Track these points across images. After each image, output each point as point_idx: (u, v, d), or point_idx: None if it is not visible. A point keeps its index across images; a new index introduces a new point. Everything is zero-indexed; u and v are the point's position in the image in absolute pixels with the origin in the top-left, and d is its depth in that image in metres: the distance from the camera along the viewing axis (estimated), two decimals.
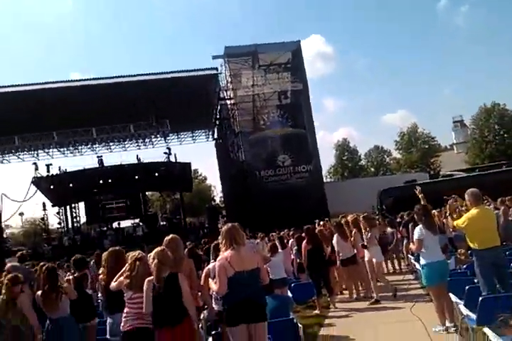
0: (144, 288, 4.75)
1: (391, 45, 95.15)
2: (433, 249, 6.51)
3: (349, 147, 61.10)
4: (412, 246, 6.82)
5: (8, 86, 26.39)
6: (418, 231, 6.55)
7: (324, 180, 36.58)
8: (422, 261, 6.58)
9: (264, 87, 29.49)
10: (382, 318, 7.60)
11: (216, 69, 28.27)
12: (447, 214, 11.70)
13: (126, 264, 5.26)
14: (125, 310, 5.05)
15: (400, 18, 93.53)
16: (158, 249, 4.97)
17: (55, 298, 5.75)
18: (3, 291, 5.72)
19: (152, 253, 4.95)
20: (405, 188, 22.33)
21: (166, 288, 4.69)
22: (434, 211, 11.81)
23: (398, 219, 15.44)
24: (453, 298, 6.09)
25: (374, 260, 9.18)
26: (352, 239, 9.78)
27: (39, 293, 5.91)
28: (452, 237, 11.52)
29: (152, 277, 4.78)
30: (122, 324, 5.03)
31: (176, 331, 4.67)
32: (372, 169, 62.04)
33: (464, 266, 8.18)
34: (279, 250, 9.75)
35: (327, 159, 61.27)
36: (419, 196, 7.53)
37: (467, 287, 5.88)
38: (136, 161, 32.18)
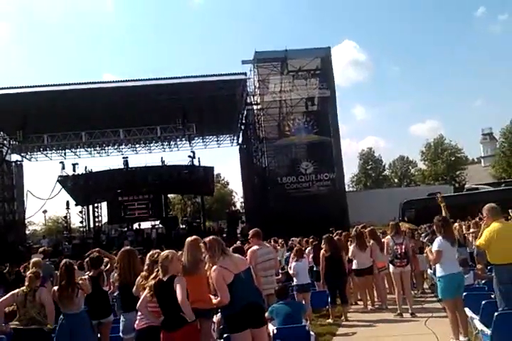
0: (140, 288, 4.83)
1: (424, 54, 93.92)
2: (450, 261, 6.43)
3: (374, 156, 60.64)
4: (431, 257, 6.72)
5: (42, 85, 27.01)
6: (437, 243, 6.48)
7: (347, 189, 36.31)
8: (438, 273, 6.49)
9: (291, 93, 29.37)
10: (395, 330, 7.53)
11: (245, 74, 28.21)
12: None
13: (145, 265, 5.36)
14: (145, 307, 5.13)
15: (435, 28, 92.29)
16: (164, 253, 4.99)
17: (71, 293, 5.86)
18: (26, 283, 5.91)
19: (159, 258, 4.97)
20: (428, 200, 22.03)
21: (168, 292, 4.68)
22: (456, 224, 11.71)
23: (420, 232, 15.27)
24: (468, 312, 6.01)
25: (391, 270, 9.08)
26: (369, 249, 9.74)
27: (55, 288, 6.05)
28: (473, 252, 11.38)
29: (154, 281, 4.84)
30: (137, 322, 5.12)
31: (174, 336, 4.67)
32: (396, 180, 61.38)
33: (483, 282, 8.06)
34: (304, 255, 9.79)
35: (352, 168, 60.69)
36: (441, 205, 7.45)
37: (483, 302, 5.79)
38: (160, 163, 32.57)
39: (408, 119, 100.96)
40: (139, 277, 5.35)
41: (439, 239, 6.51)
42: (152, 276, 4.91)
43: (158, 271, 4.85)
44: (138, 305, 4.84)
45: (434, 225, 7.54)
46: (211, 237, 5.26)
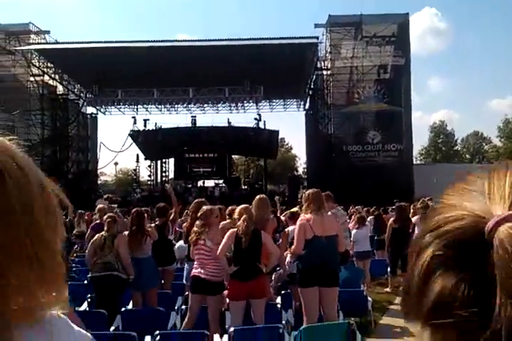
0: (227, 234, 4.93)
1: (510, 25, 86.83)
2: None
3: (446, 130, 58.07)
4: None
5: (119, 41, 27.72)
6: None
7: (414, 162, 35.23)
8: None
9: (363, 60, 28.43)
10: None
11: (317, 38, 27.57)
12: None
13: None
14: (196, 257, 5.31)
15: None
16: (245, 205, 5.13)
17: (140, 238, 6.14)
18: (105, 228, 6.20)
19: (239, 209, 5.12)
20: None
21: (250, 243, 4.85)
22: None
23: None
24: None
25: None
26: None
27: (126, 233, 6.34)
28: None
29: (236, 229, 4.95)
30: (193, 270, 5.30)
31: (248, 286, 4.83)
32: (468, 156, 58.73)
33: None
34: (367, 223, 9.71)
35: (421, 141, 58.38)
36: None
37: None
38: (226, 124, 32.93)
39: (486, 94, 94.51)
40: None
41: None
42: (240, 226, 4.94)
43: (243, 222, 4.91)
44: (219, 252, 4.89)
45: None
46: (313, 190, 5.28)
